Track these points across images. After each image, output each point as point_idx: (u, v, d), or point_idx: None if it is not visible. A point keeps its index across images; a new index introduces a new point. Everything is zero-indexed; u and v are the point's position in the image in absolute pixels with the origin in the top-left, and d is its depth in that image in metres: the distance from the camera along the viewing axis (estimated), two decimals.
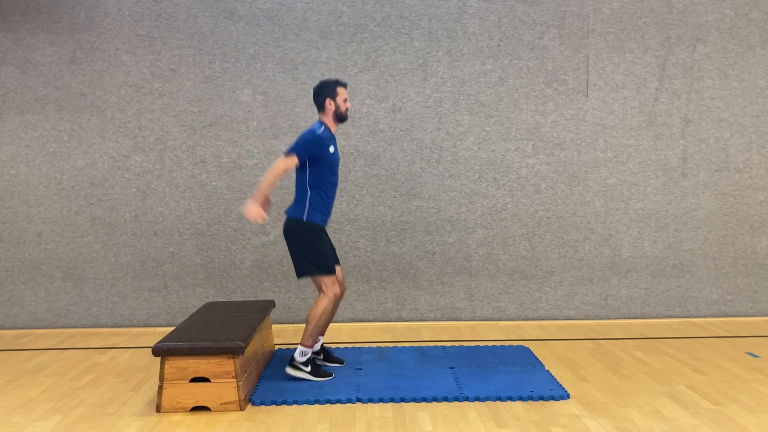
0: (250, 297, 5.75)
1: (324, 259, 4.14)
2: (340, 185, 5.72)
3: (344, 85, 4.22)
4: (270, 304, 4.78)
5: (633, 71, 5.76)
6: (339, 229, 5.72)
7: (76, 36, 5.65)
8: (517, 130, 5.76)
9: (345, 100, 4.19)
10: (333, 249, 4.35)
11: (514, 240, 5.79)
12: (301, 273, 4.18)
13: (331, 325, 5.67)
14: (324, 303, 4.12)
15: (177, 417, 3.64)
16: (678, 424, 3.45)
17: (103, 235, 5.72)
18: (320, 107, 4.19)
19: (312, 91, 4.25)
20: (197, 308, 5.44)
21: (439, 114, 5.74)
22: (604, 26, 5.73)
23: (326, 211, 4.19)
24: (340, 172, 5.66)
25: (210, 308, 4.60)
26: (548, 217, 5.79)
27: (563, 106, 5.76)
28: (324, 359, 4.47)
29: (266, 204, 4.10)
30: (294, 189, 4.22)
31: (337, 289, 4.17)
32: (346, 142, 5.69)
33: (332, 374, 4.23)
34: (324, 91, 4.17)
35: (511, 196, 5.78)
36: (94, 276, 5.74)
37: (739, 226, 5.84)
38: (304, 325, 5.75)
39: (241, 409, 3.71)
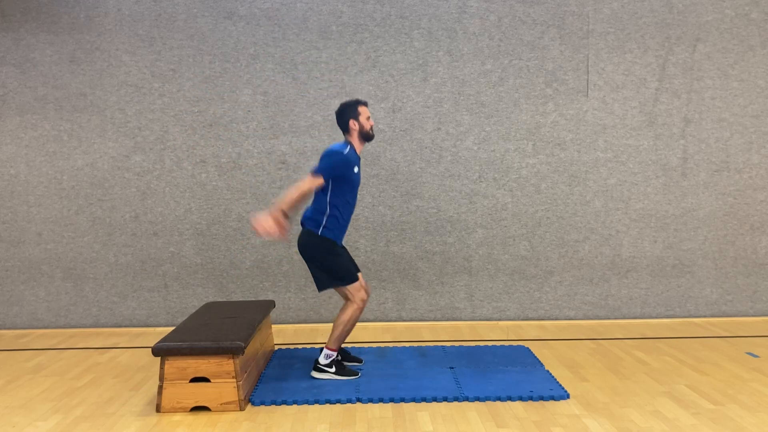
0: (250, 297, 5.75)
1: (345, 270, 4.19)
2: None
3: (365, 104, 4.22)
4: (270, 304, 4.77)
5: (633, 71, 5.76)
6: None
7: (76, 36, 5.65)
8: (517, 130, 5.76)
9: (368, 118, 4.19)
10: (351, 258, 4.39)
11: (514, 240, 5.79)
12: (321, 286, 4.22)
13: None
14: (351, 310, 4.18)
15: (177, 417, 3.64)
16: (678, 424, 3.45)
17: (103, 235, 5.72)
18: (344, 129, 4.20)
19: (335, 115, 4.26)
20: (197, 308, 5.44)
21: (439, 114, 5.74)
22: (604, 26, 5.73)
23: (341, 230, 4.21)
24: None
25: (210, 308, 4.60)
26: (548, 217, 5.79)
27: (563, 106, 5.76)
28: (342, 359, 4.45)
29: (285, 221, 3.98)
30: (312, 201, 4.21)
31: (363, 295, 4.22)
32: None
33: (358, 373, 4.26)
34: (346, 113, 4.18)
35: (511, 196, 5.78)
36: (94, 276, 5.74)
37: (739, 226, 5.84)
38: (304, 324, 5.76)
39: (241, 409, 3.72)
